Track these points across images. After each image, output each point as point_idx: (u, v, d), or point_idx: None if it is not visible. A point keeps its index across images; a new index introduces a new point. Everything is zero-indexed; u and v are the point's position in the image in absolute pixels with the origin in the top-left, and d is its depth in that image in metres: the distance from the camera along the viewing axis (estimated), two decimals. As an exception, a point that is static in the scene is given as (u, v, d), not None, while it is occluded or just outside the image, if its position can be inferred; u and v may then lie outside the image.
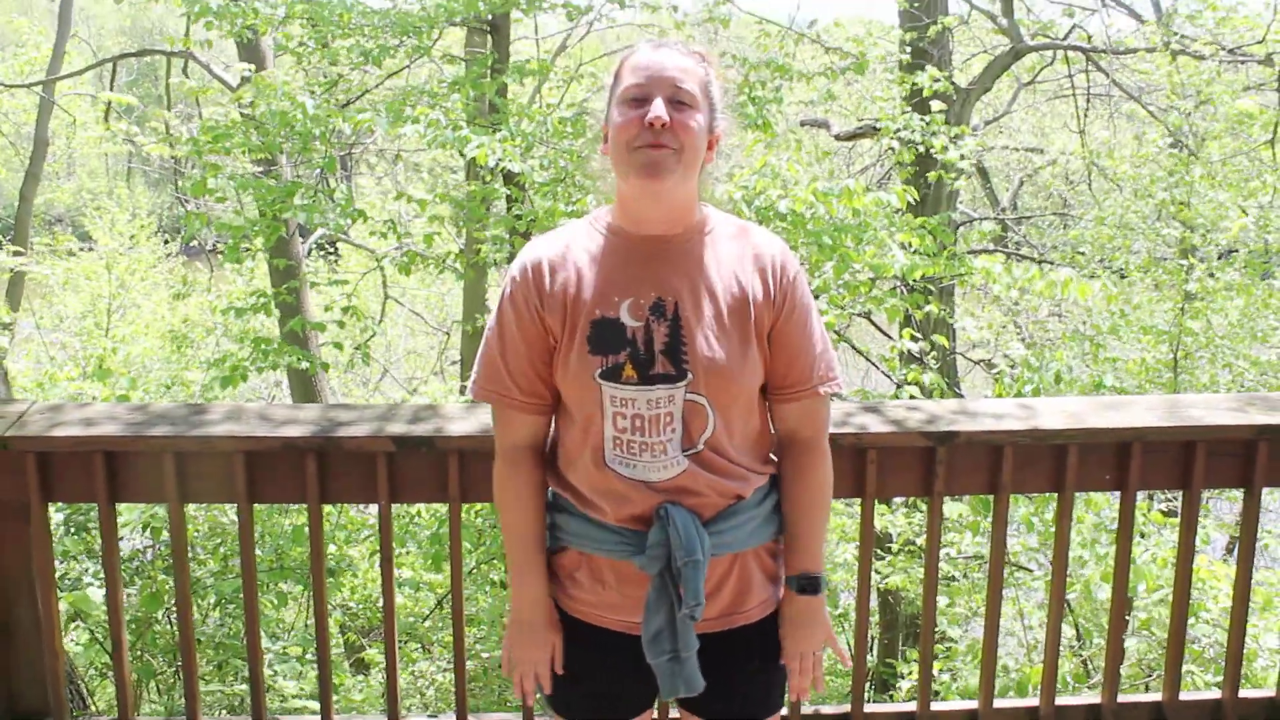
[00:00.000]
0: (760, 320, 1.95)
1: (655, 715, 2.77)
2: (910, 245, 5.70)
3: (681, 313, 1.91)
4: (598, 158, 2.03)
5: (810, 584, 2.05)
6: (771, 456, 2.09)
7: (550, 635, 2.08)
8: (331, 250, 15.72)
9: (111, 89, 12.99)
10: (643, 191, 1.91)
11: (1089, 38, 10.01)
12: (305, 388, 9.93)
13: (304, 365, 6.95)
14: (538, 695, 2.13)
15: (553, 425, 2.07)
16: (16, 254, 13.36)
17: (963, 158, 7.04)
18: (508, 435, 2.05)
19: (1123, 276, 9.23)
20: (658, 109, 1.85)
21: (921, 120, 7.08)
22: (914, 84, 8.29)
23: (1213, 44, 8.62)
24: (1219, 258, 8.50)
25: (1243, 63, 9.10)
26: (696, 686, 1.97)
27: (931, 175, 7.41)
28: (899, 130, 7.14)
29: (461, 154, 5.46)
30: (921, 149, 7.04)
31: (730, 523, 1.98)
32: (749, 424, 2.00)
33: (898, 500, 6.84)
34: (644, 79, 1.88)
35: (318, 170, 7.30)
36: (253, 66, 7.75)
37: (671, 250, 1.96)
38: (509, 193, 6.66)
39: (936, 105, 7.59)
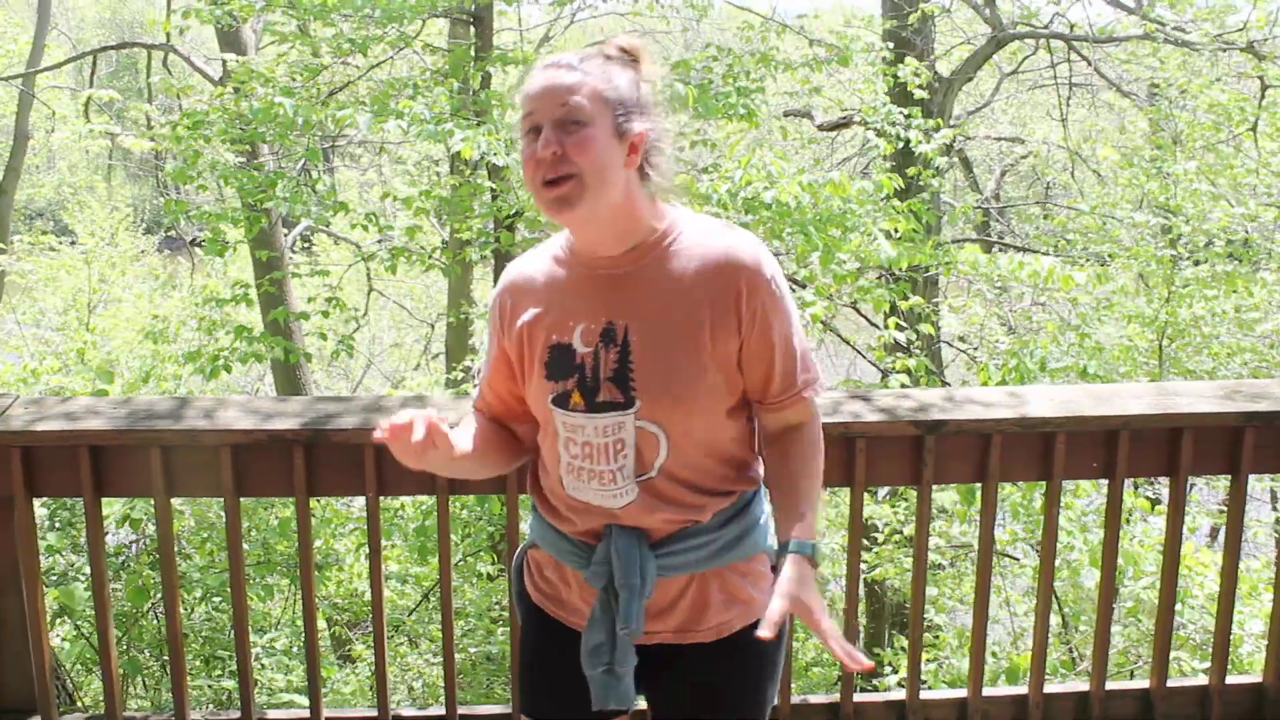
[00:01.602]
0: (722, 339, 1.86)
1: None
2: (896, 231, 5.71)
3: (630, 337, 1.85)
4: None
5: (799, 549, 1.91)
6: (751, 473, 2.02)
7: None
8: (310, 243, 15.67)
9: (92, 82, 12.90)
10: (562, 223, 1.87)
11: (1072, 26, 10.02)
12: (290, 381, 9.90)
13: (287, 356, 6.91)
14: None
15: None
16: (-3, 249, 13.28)
17: (946, 149, 7.04)
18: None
19: (1103, 264, 9.26)
20: (544, 140, 1.77)
21: (901, 113, 7.09)
22: (895, 75, 8.30)
23: (1201, 34, 8.64)
24: (1205, 245, 8.52)
25: (1224, 50, 9.13)
26: (627, 702, 1.95)
27: (910, 170, 7.41)
28: (873, 123, 7.14)
29: (446, 148, 5.44)
30: (901, 143, 7.05)
31: (682, 544, 1.93)
32: (715, 445, 1.93)
33: (883, 490, 6.86)
34: (532, 106, 1.81)
35: (300, 161, 7.25)
36: (235, 58, 7.71)
37: (626, 271, 1.88)
38: (493, 186, 6.64)
39: (919, 95, 7.59)
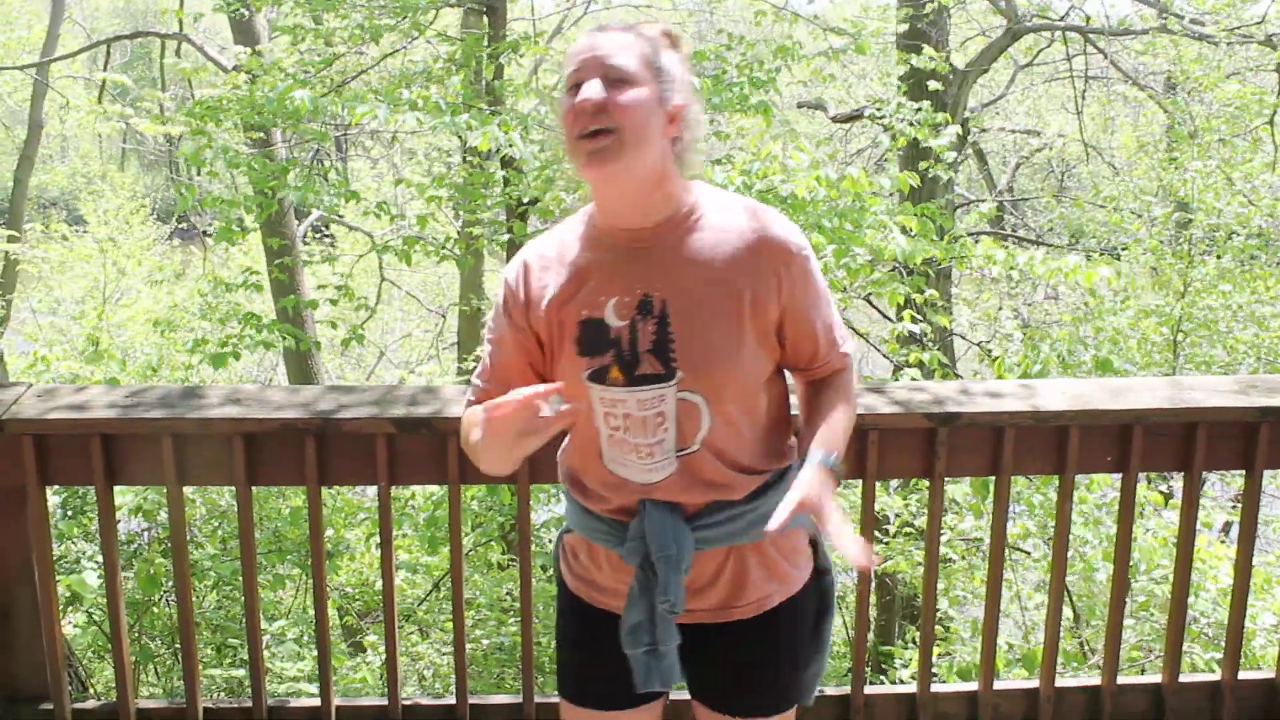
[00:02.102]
0: (761, 308, 1.87)
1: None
2: (910, 230, 5.68)
3: (669, 309, 1.84)
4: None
5: (822, 460, 1.88)
6: (785, 448, 2.03)
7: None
8: (325, 233, 15.67)
9: (106, 71, 12.93)
10: (595, 181, 1.85)
11: (1088, 19, 9.97)
12: (302, 371, 9.91)
13: (297, 344, 6.93)
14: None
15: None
16: (11, 238, 13.33)
17: (958, 143, 7.01)
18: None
19: (1117, 257, 9.23)
20: (587, 90, 1.77)
21: (913, 108, 7.06)
22: (910, 64, 8.27)
23: (1217, 27, 8.60)
24: (1226, 239, 8.48)
25: (1242, 44, 9.07)
26: (670, 681, 1.94)
27: (922, 165, 7.38)
28: (883, 116, 7.12)
29: (462, 140, 5.42)
30: (914, 137, 7.02)
31: (717, 517, 1.93)
32: (752, 417, 1.94)
33: (894, 483, 6.85)
34: (578, 64, 1.81)
35: (313, 150, 7.26)
36: (248, 50, 7.71)
37: (657, 243, 1.88)
38: (506, 175, 6.63)
39: (934, 86, 7.56)
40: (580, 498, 2.00)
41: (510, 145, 5.32)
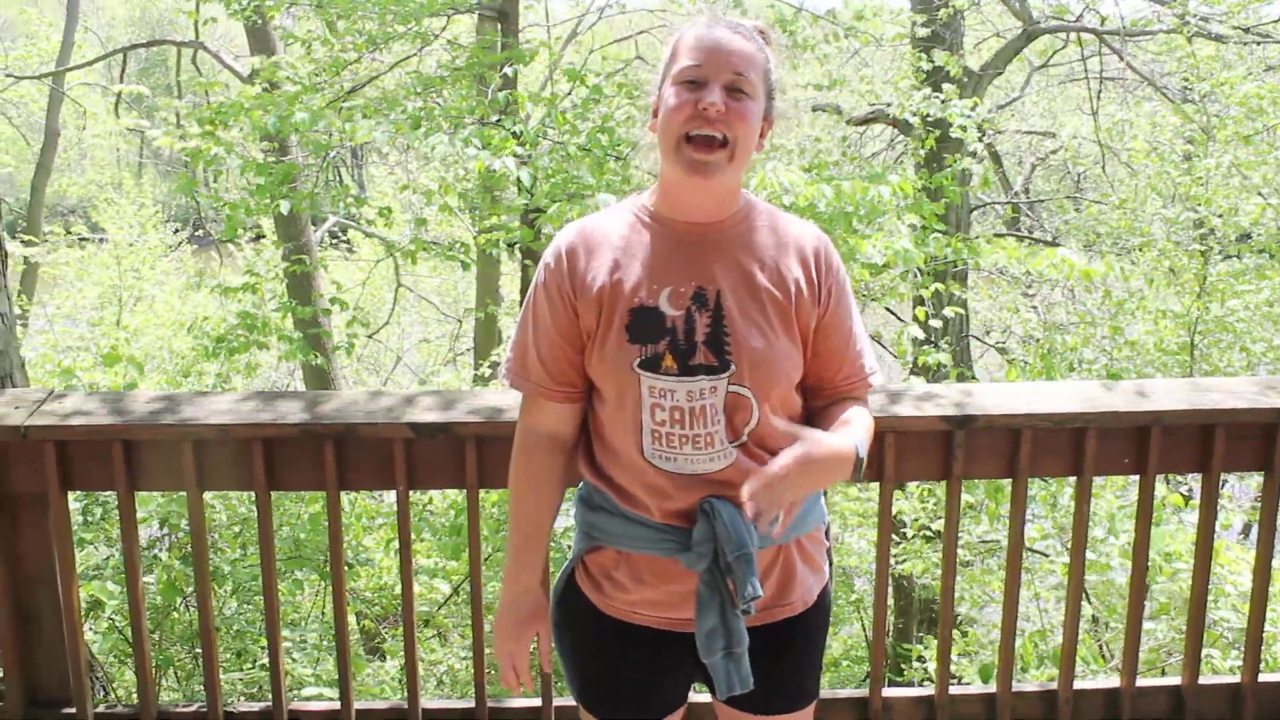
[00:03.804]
0: (803, 313, 1.90)
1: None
2: (919, 222, 5.69)
3: (724, 302, 1.85)
4: (646, 133, 1.95)
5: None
6: None
7: (533, 626, 2.07)
8: (343, 239, 15.73)
9: (122, 79, 13.01)
10: (689, 186, 1.87)
11: (1103, 19, 9.95)
12: (320, 377, 9.95)
13: (307, 355, 6.96)
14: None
15: (586, 418, 2.01)
16: (29, 245, 13.41)
17: (981, 125, 7.01)
18: (531, 421, 2.01)
19: (1133, 263, 9.19)
20: (714, 95, 1.78)
21: (938, 97, 7.07)
22: (927, 63, 8.28)
23: (1226, 24, 8.57)
24: (1237, 239, 8.45)
25: (1259, 43, 9.04)
26: (749, 683, 1.91)
27: (949, 160, 7.38)
28: (909, 107, 7.12)
29: (481, 165, 5.41)
30: (937, 132, 7.03)
31: (774, 513, 1.89)
32: (791, 415, 1.95)
33: (912, 486, 6.84)
34: (702, 60, 1.81)
35: (329, 153, 7.29)
36: (263, 56, 7.75)
37: (714, 238, 1.90)
38: (520, 179, 6.65)
39: (949, 89, 7.56)
40: (625, 504, 1.94)
41: (519, 166, 5.31)
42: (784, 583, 1.99)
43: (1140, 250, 9.24)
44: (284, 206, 5.97)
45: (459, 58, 6.94)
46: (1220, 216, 8.16)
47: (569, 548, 6.87)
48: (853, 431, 1.89)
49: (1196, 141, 9.13)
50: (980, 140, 7.08)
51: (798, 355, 1.92)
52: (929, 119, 7.13)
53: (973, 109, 6.94)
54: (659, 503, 1.91)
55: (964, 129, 6.72)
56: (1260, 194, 8.24)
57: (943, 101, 6.97)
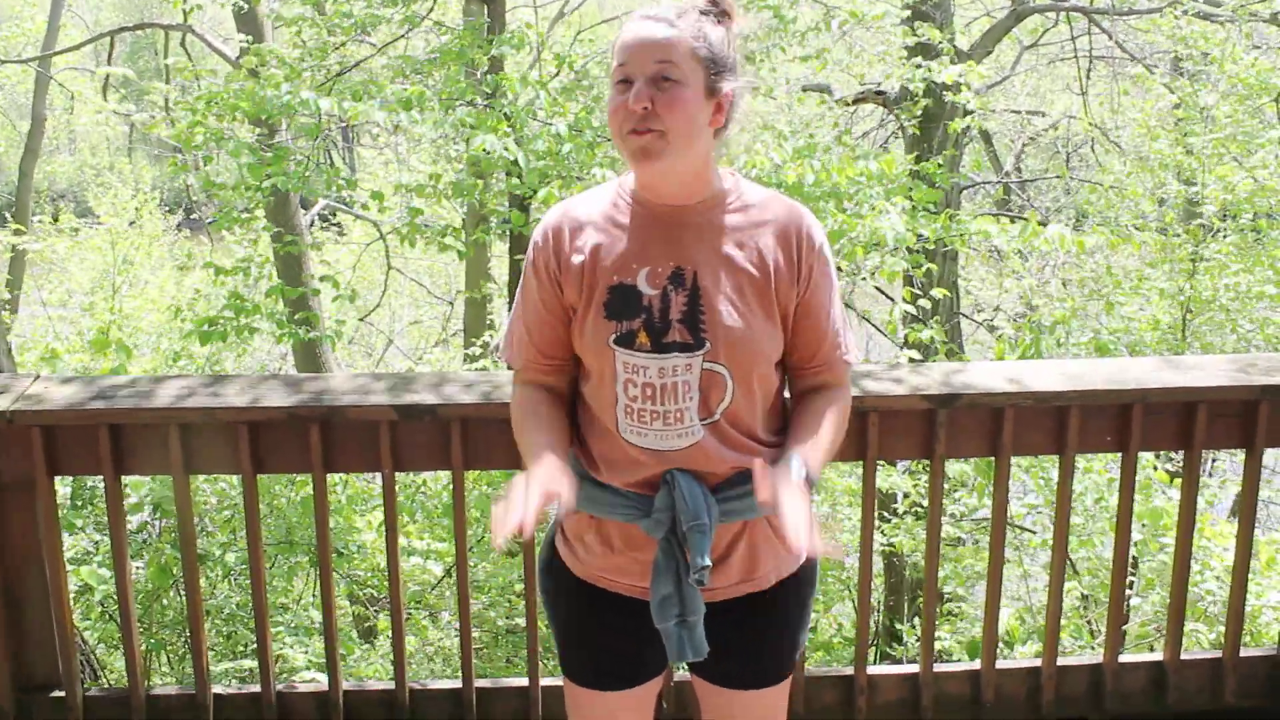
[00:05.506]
0: (782, 293, 1.93)
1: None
2: (909, 202, 5.70)
3: (701, 282, 1.90)
4: None
5: (799, 468, 1.88)
6: (785, 427, 2.07)
7: (549, 481, 1.81)
8: (332, 222, 15.69)
9: (110, 63, 12.94)
10: (645, 173, 1.92)
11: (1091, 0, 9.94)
12: (310, 359, 9.94)
13: (297, 337, 6.94)
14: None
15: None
16: (17, 231, 13.36)
17: (971, 87, 7.02)
18: (527, 380, 2.07)
19: (1124, 238, 9.19)
20: (636, 94, 1.82)
21: (929, 64, 7.09)
22: (913, 38, 8.28)
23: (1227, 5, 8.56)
24: (1225, 218, 8.45)
25: (1249, 21, 9.03)
26: (702, 651, 1.96)
27: (951, 126, 7.38)
28: (903, 77, 7.11)
29: (466, 142, 5.41)
30: (928, 101, 7.02)
31: (738, 490, 1.95)
32: (767, 394, 1.99)
33: (903, 464, 6.87)
34: (626, 58, 1.85)
35: (316, 140, 7.27)
36: (250, 37, 7.72)
37: (693, 219, 1.94)
38: (510, 157, 6.64)
39: (941, 62, 7.55)
40: (596, 473, 1.99)
41: (506, 150, 5.31)
42: (751, 558, 2.02)
43: (1141, 226, 9.25)
44: (290, 186, 5.95)
45: (450, 41, 6.90)
46: (1207, 196, 8.16)
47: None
48: (811, 452, 1.93)
49: (1187, 119, 9.12)
50: (973, 97, 7.08)
51: (777, 335, 1.95)
52: (921, 83, 7.13)
53: (962, 74, 6.94)
54: (625, 474, 1.96)
55: (958, 88, 6.73)
56: (1254, 178, 8.22)
57: (933, 69, 6.97)
